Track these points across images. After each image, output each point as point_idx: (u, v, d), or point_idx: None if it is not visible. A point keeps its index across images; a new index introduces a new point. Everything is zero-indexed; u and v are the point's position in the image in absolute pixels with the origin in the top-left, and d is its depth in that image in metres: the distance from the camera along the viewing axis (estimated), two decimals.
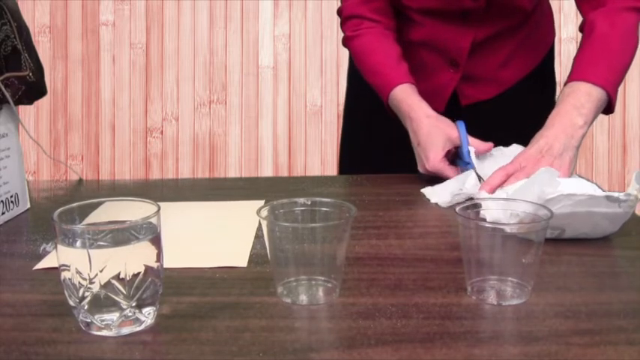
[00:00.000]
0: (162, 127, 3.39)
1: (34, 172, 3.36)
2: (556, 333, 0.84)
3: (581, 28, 1.53)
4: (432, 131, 1.50)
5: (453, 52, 1.68)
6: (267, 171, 3.42)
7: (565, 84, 1.45)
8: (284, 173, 3.43)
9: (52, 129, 3.37)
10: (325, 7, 3.38)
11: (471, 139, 1.49)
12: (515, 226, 0.93)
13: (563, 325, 0.86)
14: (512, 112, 1.74)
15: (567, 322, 0.87)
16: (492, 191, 1.30)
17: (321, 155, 3.44)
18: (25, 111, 3.33)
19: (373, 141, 1.83)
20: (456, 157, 1.52)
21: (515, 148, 1.49)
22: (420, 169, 1.54)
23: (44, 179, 3.32)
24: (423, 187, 1.47)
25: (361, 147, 1.87)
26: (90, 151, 3.37)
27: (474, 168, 1.44)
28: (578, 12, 1.56)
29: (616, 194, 1.11)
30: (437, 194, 1.41)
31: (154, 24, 3.40)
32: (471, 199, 1.31)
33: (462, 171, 1.46)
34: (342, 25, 1.71)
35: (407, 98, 1.56)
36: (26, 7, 3.32)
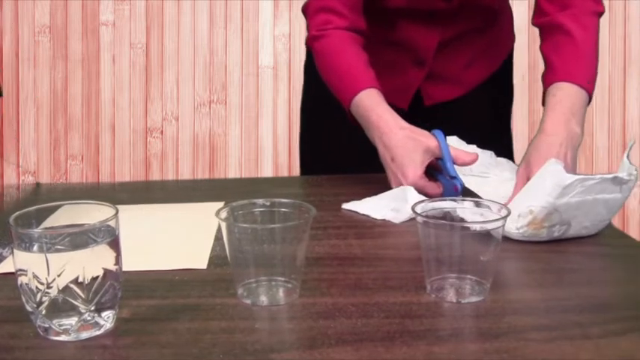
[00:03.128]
0: (163, 127, 3.40)
1: (34, 172, 3.37)
2: (514, 329, 0.84)
3: (542, 26, 1.51)
4: (407, 144, 1.36)
5: (420, 51, 1.65)
6: (267, 171, 3.42)
7: (548, 81, 1.43)
8: (284, 173, 3.43)
9: (52, 129, 3.37)
10: None
11: (453, 150, 1.35)
12: (473, 224, 0.93)
13: (521, 321, 0.86)
14: (473, 114, 1.71)
15: (525, 319, 0.87)
16: None
17: None
18: (25, 111, 3.35)
19: (333, 141, 1.78)
20: (435, 171, 1.38)
21: (490, 155, 1.45)
22: (394, 186, 1.37)
23: (44, 179, 3.34)
24: (386, 187, 1.39)
25: (322, 147, 1.81)
26: (90, 151, 3.38)
27: (462, 184, 1.32)
28: (538, 10, 1.53)
29: (621, 174, 1.12)
30: (368, 208, 1.31)
31: (154, 24, 3.40)
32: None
33: (447, 188, 1.34)
34: (309, 21, 1.59)
35: (376, 107, 1.43)
36: (26, 7, 3.33)
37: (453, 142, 1.43)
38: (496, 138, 1.58)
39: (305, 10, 1.62)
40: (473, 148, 1.42)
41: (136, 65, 3.40)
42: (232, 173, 3.41)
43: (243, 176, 3.40)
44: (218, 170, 3.41)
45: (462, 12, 1.59)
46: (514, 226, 1.11)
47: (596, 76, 1.45)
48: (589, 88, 1.41)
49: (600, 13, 1.48)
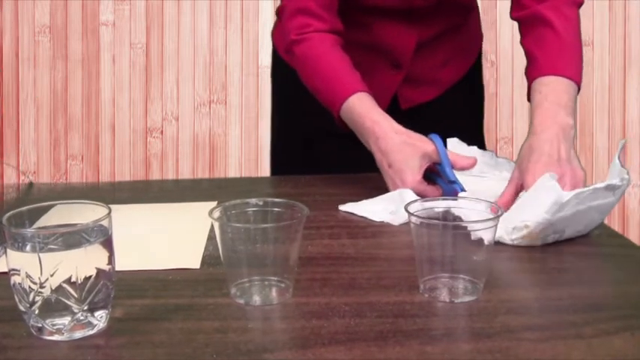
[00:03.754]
0: (163, 127, 3.39)
1: (34, 172, 3.37)
2: (507, 329, 0.85)
3: (521, 19, 1.48)
4: (404, 149, 1.33)
5: (397, 53, 1.60)
6: (267, 171, 3.40)
7: (532, 76, 1.40)
8: None
9: (52, 129, 3.37)
10: None
11: (451, 154, 1.32)
12: (466, 224, 0.93)
13: (514, 321, 0.87)
14: (448, 114, 1.67)
15: (518, 318, 0.87)
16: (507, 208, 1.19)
17: None
18: (25, 111, 3.35)
19: (306, 147, 1.72)
20: (434, 175, 1.36)
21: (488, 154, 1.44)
22: (391, 186, 1.35)
23: (44, 179, 3.34)
24: (377, 186, 1.39)
25: (294, 153, 1.75)
26: (90, 151, 3.38)
27: (462, 189, 1.28)
28: (516, 3, 1.50)
29: (613, 181, 1.12)
30: (365, 210, 1.30)
31: (153, 24, 3.40)
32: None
33: (447, 192, 1.31)
34: (286, 24, 1.52)
35: (369, 112, 1.39)
36: (26, 7, 3.33)
37: (454, 144, 1.42)
38: (472, 137, 1.53)
39: (280, 12, 1.56)
40: (474, 150, 1.41)
41: (136, 65, 3.39)
42: (232, 173, 3.41)
43: (243, 176, 3.40)
44: (218, 170, 3.41)
45: (440, 9, 1.55)
46: (508, 238, 1.11)
47: (582, 65, 1.42)
48: (576, 79, 1.37)
49: (580, 4, 1.46)
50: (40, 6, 3.35)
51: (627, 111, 3.34)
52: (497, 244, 0.98)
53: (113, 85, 3.39)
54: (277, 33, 1.78)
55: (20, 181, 3.36)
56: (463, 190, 1.28)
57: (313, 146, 1.70)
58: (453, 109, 1.69)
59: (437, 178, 1.35)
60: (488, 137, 3.31)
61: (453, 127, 1.46)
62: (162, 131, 3.40)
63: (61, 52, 3.36)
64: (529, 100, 1.40)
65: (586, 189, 1.11)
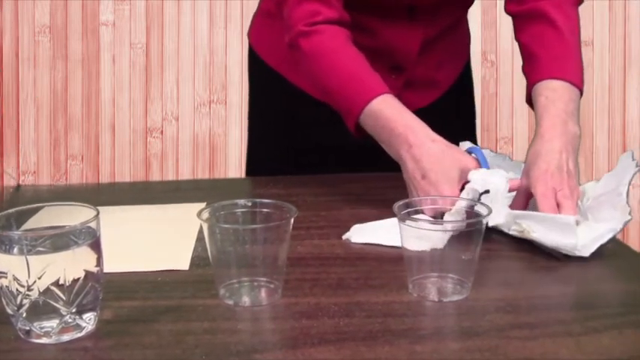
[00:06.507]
0: (163, 127, 3.39)
1: (34, 172, 3.37)
2: (496, 327, 0.85)
3: (519, 13, 1.43)
4: (443, 159, 1.19)
5: (401, 56, 1.50)
6: None
7: (536, 77, 1.34)
8: None
9: (52, 129, 3.37)
10: None
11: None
12: (454, 223, 0.93)
13: (503, 319, 0.87)
14: (445, 117, 1.54)
15: (507, 317, 0.87)
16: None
17: None
18: (25, 111, 3.35)
19: (282, 147, 1.65)
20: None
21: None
22: (427, 212, 1.08)
23: (44, 179, 3.34)
24: (367, 187, 1.40)
25: (271, 153, 1.67)
26: (90, 151, 3.38)
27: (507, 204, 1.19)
28: None
29: (618, 227, 1.09)
30: (378, 237, 1.15)
31: (153, 24, 3.40)
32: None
33: None
34: (291, 11, 1.37)
35: (401, 116, 1.25)
36: (26, 7, 3.33)
37: (466, 146, 1.34)
38: (468, 139, 1.48)
39: (280, 2, 1.42)
40: (487, 153, 1.34)
41: (136, 65, 3.40)
42: (232, 173, 3.41)
43: (243, 176, 3.40)
44: (218, 170, 3.41)
45: (441, 6, 1.48)
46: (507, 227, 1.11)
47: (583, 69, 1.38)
48: (581, 87, 1.33)
49: (579, 2, 1.42)
50: (40, 6, 3.35)
51: (627, 111, 3.34)
52: (487, 239, 0.97)
53: (113, 85, 3.39)
54: (256, 31, 1.70)
55: (20, 181, 3.36)
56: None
57: (294, 159, 1.62)
58: (450, 112, 1.63)
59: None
60: (489, 137, 3.32)
61: (450, 129, 1.40)
62: (162, 131, 3.40)
63: (61, 52, 3.36)
64: (528, 100, 1.37)
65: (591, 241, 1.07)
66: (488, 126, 3.32)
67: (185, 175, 3.39)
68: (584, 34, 3.23)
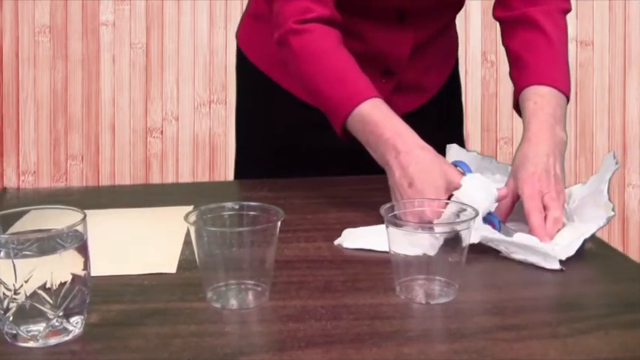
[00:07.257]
0: (163, 127, 3.40)
1: (34, 172, 3.37)
2: (483, 329, 0.85)
3: (507, 19, 1.44)
4: (431, 169, 1.16)
5: (391, 60, 1.49)
6: None
7: (523, 82, 1.34)
8: None
9: (52, 129, 3.37)
10: None
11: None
12: (440, 226, 0.93)
13: (490, 321, 0.87)
14: (433, 121, 1.57)
15: (494, 319, 0.88)
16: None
17: None
18: (25, 111, 3.36)
19: (270, 149, 1.64)
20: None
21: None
22: (411, 216, 1.05)
23: (44, 179, 3.35)
24: (353, 189, 1.40)
25: (259, 155, 1.66)
26: (90, 151, 3.38)
27: (499, 221, 1.15)
28: (501, 3, 1.46)
29: (601, 223, 1.10)
30: (369, 242, 1.13)
31: (153, 24, 3.40)
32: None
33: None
34: (281, 7, 1.34)
35: (389, 121, 1.23)
36: (26, 7, 3.34)
37: (454, 150, 1.35)
38: (456, 143, 1.47)
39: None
40: (473, 156, 1.34)
41: (136, 65, 3.40)
42: (232, 173, 3.41)
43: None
44: (218, 170, 3.41)
45: (432, 7, 1.47)
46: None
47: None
48: (568, 93, 1.34)
49: (568, 11, 1.43)
50: (40, 6, 3.36)
51: (627, 111, 3.33)
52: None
53: (113, 85, 3.39)
54: (244, 33, 1.71)
55: (20, 182, 3.36)
56: (500, 222, 1.16)
57: (282, 162, 1.61)
58: (437, 116, 1.62)
59: None
60: (489, 137, 3.32)
61: (438, 134, 1.37)
62: (162, 131, 3.40)
63: (61, 52, 3.37)
64: (515, 105, 1.37)
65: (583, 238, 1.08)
66: (488, 126, 3.32)
67: (185, 175, 3.39)
68: (585, 34, 3.23)
